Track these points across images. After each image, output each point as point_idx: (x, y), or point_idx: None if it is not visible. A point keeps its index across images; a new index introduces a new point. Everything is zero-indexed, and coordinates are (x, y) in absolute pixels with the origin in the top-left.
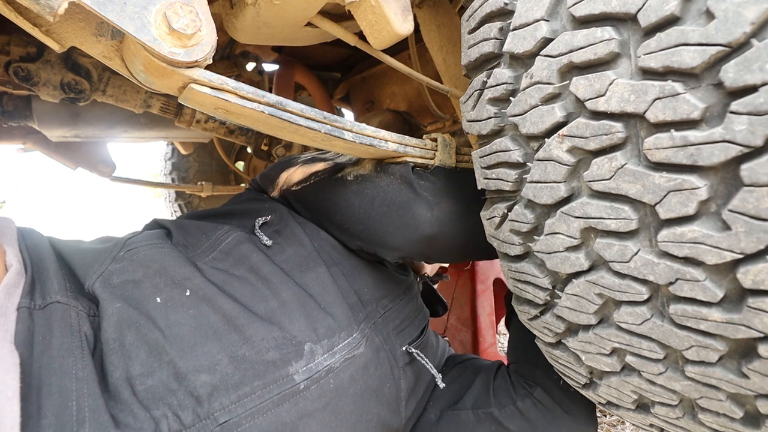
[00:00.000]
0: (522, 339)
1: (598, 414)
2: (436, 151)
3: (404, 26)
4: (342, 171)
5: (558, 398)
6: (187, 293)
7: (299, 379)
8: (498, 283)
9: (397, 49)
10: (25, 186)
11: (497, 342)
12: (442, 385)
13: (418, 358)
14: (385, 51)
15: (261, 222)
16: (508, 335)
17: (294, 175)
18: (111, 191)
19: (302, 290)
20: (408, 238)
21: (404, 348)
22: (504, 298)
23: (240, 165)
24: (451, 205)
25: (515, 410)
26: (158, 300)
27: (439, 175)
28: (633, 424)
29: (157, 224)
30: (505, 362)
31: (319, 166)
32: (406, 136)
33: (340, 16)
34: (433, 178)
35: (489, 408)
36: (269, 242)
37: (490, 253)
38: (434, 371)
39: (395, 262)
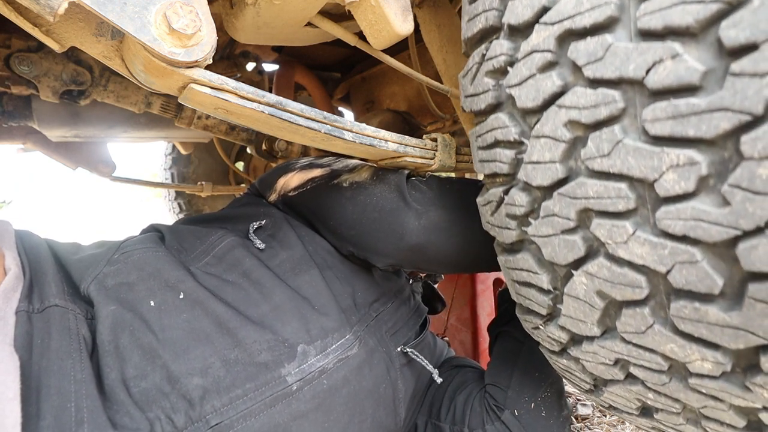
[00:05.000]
0: (498, 363)
1: (598, 414)
2: (436, 151)
3: (404, 26)
4: (338, 178)
5: (525, 423)
6: (181, 296)
7: (292, 381)
8: (498, 283)
9: (397, 49)
10: (25, 186)
11: None
12: (439, 380)
13: (413, 356)
14: (385, 51)
15: (255, 226)
16: None
17: (291, 180)
18: (111, 191)
19: (295, 293)
20: (395, 246)
21: (399, 349)
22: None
23: (240, 165)
24: (439, 215)
25: None
26: (152, 303)
27: (432, 185)
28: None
29: (153, 229)
30: None
31: (316, 173)
32: (406, 136)
33: (340, 16)
34: (425, 188)
35: (463, 427)
36: (262, 246)
37: (482, 266)
38: (430, 367)
39: (385, 269)
